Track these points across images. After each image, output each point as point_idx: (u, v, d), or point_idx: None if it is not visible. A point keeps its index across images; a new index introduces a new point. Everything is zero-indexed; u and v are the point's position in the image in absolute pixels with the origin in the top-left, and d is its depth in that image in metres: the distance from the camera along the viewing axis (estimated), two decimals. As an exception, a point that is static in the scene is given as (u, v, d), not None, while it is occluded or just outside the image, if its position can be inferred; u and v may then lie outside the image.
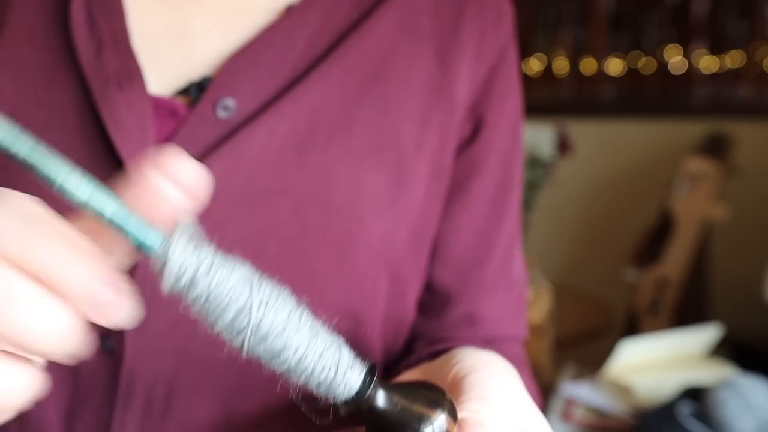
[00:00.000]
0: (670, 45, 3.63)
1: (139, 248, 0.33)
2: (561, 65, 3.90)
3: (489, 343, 0.61)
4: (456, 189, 0.61)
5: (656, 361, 1.17)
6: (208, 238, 0.34)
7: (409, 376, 0.48)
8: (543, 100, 4.00)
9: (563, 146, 2.52)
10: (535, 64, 3.97)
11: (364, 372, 0.36)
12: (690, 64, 3.61)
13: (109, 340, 0.51)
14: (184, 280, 0.32)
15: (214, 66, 0.55)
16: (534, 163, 2.49)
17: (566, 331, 2.33)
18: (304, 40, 0.55)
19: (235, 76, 0.53)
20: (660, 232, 2.33)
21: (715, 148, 2.44)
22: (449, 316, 0.62)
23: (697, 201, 2.19)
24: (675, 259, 2.19)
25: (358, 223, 0.54)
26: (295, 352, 0.34)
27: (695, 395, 0.99)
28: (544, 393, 1.52)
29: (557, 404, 1.11)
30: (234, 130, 0.52)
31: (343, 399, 0.36)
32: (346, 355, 0.36)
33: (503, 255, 0.63)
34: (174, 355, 0.52)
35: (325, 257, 0.51)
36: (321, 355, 0.34)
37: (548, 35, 4.05)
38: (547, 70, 3.96)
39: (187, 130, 0.52)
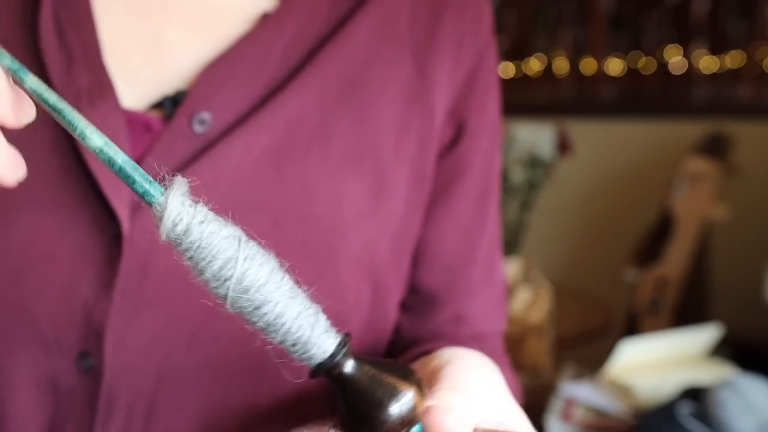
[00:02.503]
0: (670, 45, 3.63)
1: (143, 196, 0.36)
2: (561, 65, 3.90)
3: (475, 339, 0.62)
4: (439, 193, 0.61)
5: (656, 361, 1.17)
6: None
7: None
8: (543, 100, 4.00)
9: (563, 146, 2.52)
10: (535, 64, 3.97)
11: (338, 338, 0.37)
12: (690, 64, 3.60)
13: (88, 358, 0.50)
14: (180, 227, 0.35)
15: (189, 78, 0.54)
16: (534, 163, 2.48)
17: (566, 331, 2.33)
18: (281, 50, 0.54)
19: (210, 89, 0.52)
20: (660, 232, 2.33)
21: (715, 148, 2.44)
22: (436, 317, 0.62)
23: (697, 201, 2.19)
24: (675, 259, 2.19)
25: (338, 234, 0.54)
26: (274, 307, 0.36)
27: (695, 395, 0.99)
28: (544, 393, 1.52)
29: (557, 404, 1.11)
30: (210, 143, 0.51)
31: (316, 361, 0.37)
32: (323, 319, 0.37)
33: (487, 256, 0.64)
34: (154, 374, 0.51)
35: (305, 269, 0.48)
36: (299, 315, 0.36)
37: (548, 35, 4.05)
38: (547, 70, 3.96)
39: (163, 145, 0.51)
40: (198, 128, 0.51)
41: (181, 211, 0.35)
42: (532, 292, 1.68)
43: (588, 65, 3.72)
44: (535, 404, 1.71)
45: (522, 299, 1.67)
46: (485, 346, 0.58)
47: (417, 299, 0.62)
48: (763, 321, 2.44)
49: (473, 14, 0.62)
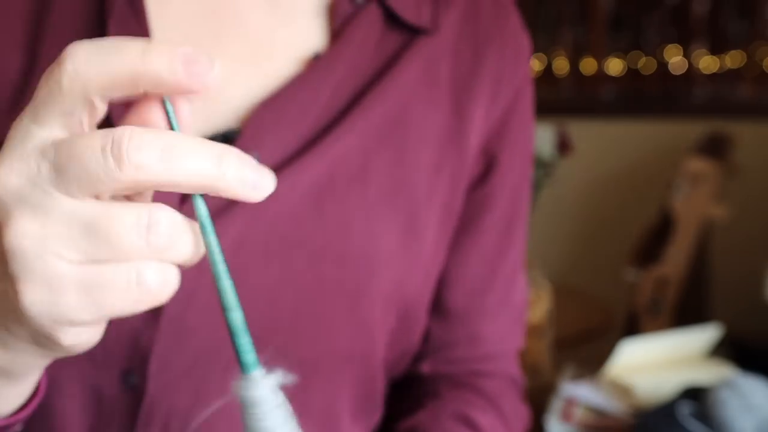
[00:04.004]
0: (670, 45, 3.63)
1: (242, 361, 0.38)
2: (561, 65, 3.90)
3: (487, 359, 0.67)
4: (466, 224, 0.63)
5: (656, 361, 1.17)
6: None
7: None
8: (543, 100, 4.00)
9: (563, 146, 2.52)
10: (535, 64, 3.96)
11: None
12: (690, 64, 3.60)
13: (132, 376, 0.53)
14: (252, 404, 0.38)
15: (238, 114, 0.55)
16: (534, 163, 2.48)
17: (566, 331, 2.33)
18: (329, 92, 0.55)
19: (261, 131, 0.53)
20: (660, 232, 2.33)
21: (715, 148, 2.44)
22: (452, 334, 0.65)
23: (697, 201, 2.19)
24: (675, 259, 2.19)
25: (371, 272, 0.56)
26: None
27: (695, 395, 0.99)
28: (544, 393, 1.52)
29: (557, 404, 1.11)
30: None
31: None
32: None
33: (507, 281, 0.67)
34: (191, 394, 0.54)
35: (338, 306, 0.53)
36: None
37: (548, 35, 4.04)
38: (547, 70, 3.96)
39: None
40: None
41: (267, 396, 0.38)
42: (532, 292, 1.68)
43: (588, 65, 3.72)
44: (535, 404, 1.71)
45: (522, 299, 1.67)
46: (493, 367, 0.66)
47: (438, 314, 0.65)
48: (763, 321, 2.44)
49: (514, 51, 0.63)
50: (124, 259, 0.33)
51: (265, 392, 0.38)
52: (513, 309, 0.69)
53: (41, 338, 0.36)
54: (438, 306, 0.65)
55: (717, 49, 3.56)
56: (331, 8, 0.58)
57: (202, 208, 0.36)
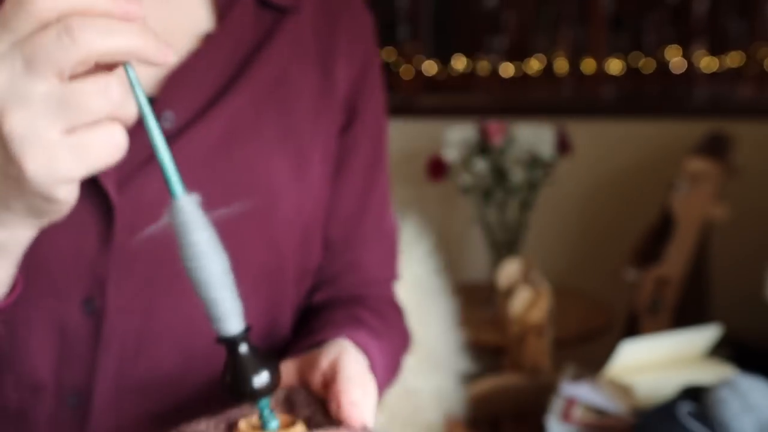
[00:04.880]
0: (670, 45, 3.63)
1: (172, 189, 0.49)
2: (561, 65, 3.90)
3: (366, 284, 0.82)
4: (339, 164, 0.79)
5: (656, 361, 1.17)
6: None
7: (289, 365, 0.64)
8: (543, 100, 4.00)
9: (563, 146, 2.52)
10: (535, 64, 3.97)
11: (243, 327, 0.52)
12: (690, 64, 3.60)
13: (92, 303, 0.66)
14: (180, 221, 0.50)
15: (153, 84, 0.68)
16: (534, 163, 2.49)
17: (566, 331, 2.33)
18: (221, 62, 0.70)
19: (171, 95, 0.67)
20: (660, 232, 2.33)
21: (715, 148, 2.44)
22: (336, 263, 0.80)
23: (697, 201, 2.19)
24: (675, 259, 2.19)
25: (274, 200, 0.71)
26: (209, 287, 0.50)
27: (695, 395, 0.99)
28: (544, 393, 1.52)
29: (557, 404, 1.11)
30: (175, 135, 0.67)
31: (223, 335, 0.52)
32: (236, 307, 0.52)
33: (377, 213, 0.82)
34: (142, 313, 0.67)
35: (252, 229, 0.69)
36: (223, 297, 0.51)
37: (548, 35, 4.05)
38: (547, 70, 3.96)
39: (139, 138, 0.64)
40: (165, 124, 0.67)
41: (190, 205, 0.50)
42: (532, 292, 1.67)
43: (588, 65, 3.72)
44: (535, 404, 1.71)
45: (522, 299, 1.67)
46: (374, 291, 0.82)
47: (325, 249, 0.80)
48: (763, 321, 2.44)
49: (360, 25, 0.80)
50: (95, 120, 0.45)
51: (190, 211, 0.49)
52: (387, 239, 0.84)
53: (39, 203, 0.48)
54: (324, 241, 0.79)
55: (717, 49, 3.56)
56: None
57: (132, 73, 0.48)
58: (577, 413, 1.07)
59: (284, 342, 0.77)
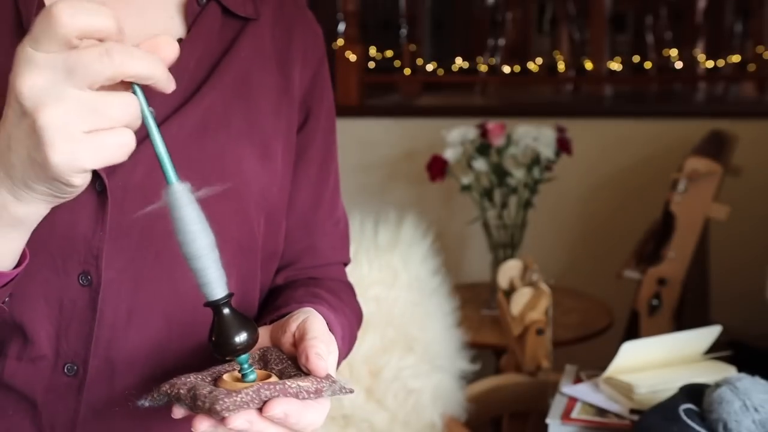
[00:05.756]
0: (670, 45, 3.63)
1: (168, 177, 0.60)
2: (561, 65, 3.90)
3: (324, 267, 0.93)
4: (297, 157, 0.89)
5: (656, 361, 1.17)
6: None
7: (262, 331, 0.72)
8: (543, 100, 4.00)
9: (563, 146, 2.52)
10: (535, 64, 3.97)
11: (226, 293, 0.62)
12: (690, 64, 3.61)
13: (88, 276, 0.74)
14: (175, 204, 0.60)
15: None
16: (534, 163, 2.49)
17: (566, 331, 2.34)
18: (193, 64, 0.80)
19: (153, 92, 0.75)
20: (660, 232, 2.33)
21: (715, 148, 2.44)
22: (294, 248, 0.90)
23: (697, 201, 2.19)
24: (675, 259, 2.19)
25: (244, 184, 0.81)
26: (198, 259, 0.60)
27: (695, 395, 0.99)
28: (544, 393, 1.52)
29: (557, 404, 1.11)
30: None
31: (209, 299, 0.62)
32: (221, 276, 0.62)
33: (330, 202, 0.93)
34: (131, 283, 0.75)
35: (226, 209, 0.78)
36: (209, 266, 0.61)
37: (548, 35, 4.05)
38: (547, 70, 3.96)
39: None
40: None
41: (184, 190, 0.60)
42: (532, 292, 1.68)
43: (588, 65, 3.72)
44: (535, 404, 1.71)
45: (522, 299, 1.67)
46: (328, 273, 0.94)
47: (285, 236, 0.89)
48: (763, 321, 2.44)
49: (312, 33, 0.91)
50: (114, 126, 0.57)
51: (184, 194, 0.59)
52: (339, 226, 0.95)
53: (57, 186, 0.58)
54: (286, 228, 0.89)
55: (717, 49, 3.56)
56: (184, 8, 0.83)
57: (138, 89, 0.59)
58: (577, 413, 1.07)
59: (252, 317, 0.86)
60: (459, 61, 4.25)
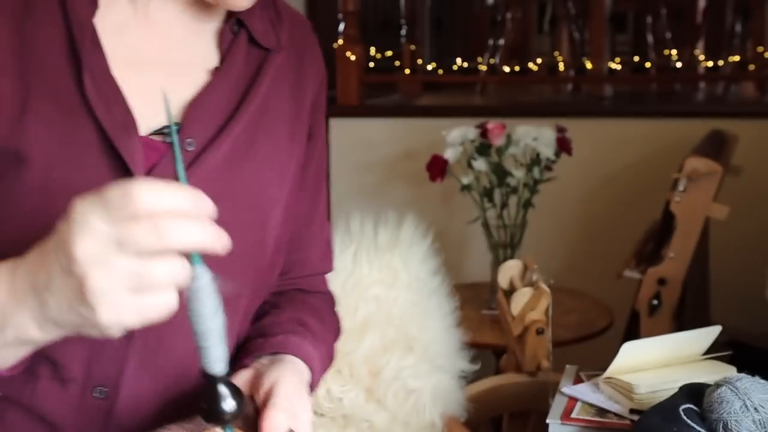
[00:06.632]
0: (670, 45, 3.63)
1: (191, 257, 0.62)
2: (561, 65, 3.90)
3: (310, 278, 0.99)
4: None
5: (656, 361, 1.17)
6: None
7: (243, 375, 0.80)
8: (543, 100, 4.00)
9: (563, 146, 2.52)
10: (535, 64, 3.97)
11: (226, 371, 0.65)
12: (690, 64, 3.61)
13: None
14: (193, 286, 0.62)
15: (177, 114, 0.83)
16: (534, 163, 2.49)
17: (566, 331, 2.34)
18: (227, 94, 0.85)
19: (192, 124, 0.83)
20: (660, 232, 2.33)
21: (715, 147, 2.44)
22: (288, 258, 0.94)
23: (697, 201, 2.19)
24: (675, 259, 2.19)
25: (267, 211, 0.87)
26: (206, 339, 0.63)
27: (695, 395, 0.99)
28: (544, 393, 1.52)
29: (557, 404, 1.11)
30: (196, 156, 0.82)
31: (207, 371, 0.65)
32: (224, 353, 0.64)
33: (321, 216, 0.99)
34: None
35: (249, 234, 0.84)
36: (214, 345, 0.64)
37: (548, 35, 4.05)
38: (547, 70, 3.96)
39: (169, 160, 0.80)
40: (189, 148, 0.82)
41: (203, 274, 0.63)
42: (532, 292, 1.67)
43: (588, 65, 3.72)
44: (535, 404, 1.71)
45: (522, 299, 1.66)
46: (313, 283, 1.00)
47: None
48: (763, 321, 2.44)
49: (317, 57, 0.97)
50: (158, 290, 0.59)
51: (202, 279, 0.62)
52: (326, 239, 1.02)
53: (91, 331, 0.61)
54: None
55: (717, 49, 3.56)
56: (219, 36, 0.88)
57: (199, 264, 0.62)
58: (577, 413, 1.07)
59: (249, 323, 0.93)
60: (459, 61, 4.25)
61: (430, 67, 4.12)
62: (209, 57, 0.88)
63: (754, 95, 3.60)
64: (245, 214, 0.85)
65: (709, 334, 1.21)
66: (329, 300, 1.03)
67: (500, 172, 2.46)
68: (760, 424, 0.93)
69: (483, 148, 2.46)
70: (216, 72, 0.86)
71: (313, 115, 0.95)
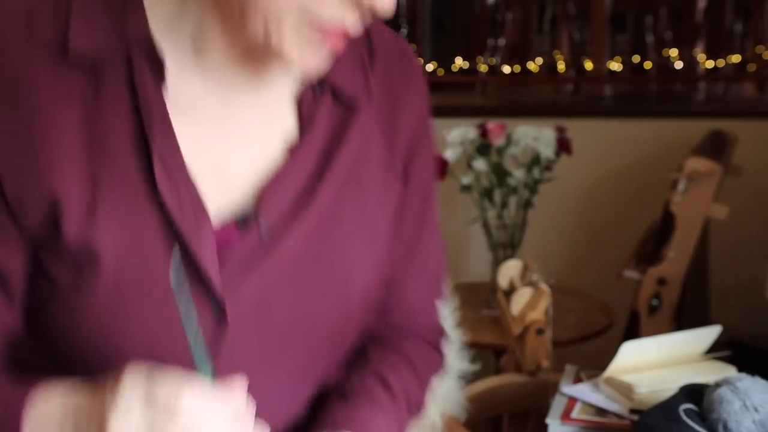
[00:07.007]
0: (670, 45, 3.63)
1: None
2: (561, 65, 3.90)
3: (408, 315, 0.89)
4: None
5: (656, 361, 1.17)
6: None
7: None
8: (543, 100, 4.00)
9: (563, 146, 2.52)
10: (535, 64, 3.97)
11: None
12: (690, 64, 3.60)
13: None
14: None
15: (246, 189, 0.77)
16: (534, 162, 2.49)
17: (566, 331, 2.33)
18: (307, 167, 0.77)
19: (266, 206, 0.76)
20: (660, 232, 2.33)
21: (715, 148, 2.44)
22: (386, 302, 0.87)
23: (697, 201, 2.19)
24: (675, 259, 2.19)
25: (351, 279, 0.80)
26: None
27: (695, 395, 0.99)
28: (544, 393, 1.52)
29: (557, 404, 1.11)
30: (272, 245, 0.76)
31: None
32: None
33: (422, 258, 0.89)
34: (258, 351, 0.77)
35: (330, 307, 0.79)
36: None
37: (548, 35, 4.05)
38: (548, 70, 3.96)
39: (244, 250, 0.76)
40: (265, 238, 0.76)
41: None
42: (532, 292, 1.67)
43: (588, 65, 3.72)
44: (535, 404, 1.71)
45: (522, 299, 1.66)
46: (416, 322, 0.90)
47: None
48: (763, 321, 2.44)
49: (418, 90, 0.86)
50: None
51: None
52: (429, 275, 0.91)
53: None
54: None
55: (717, 49, 3.56)
56: (299, 99, 0.79)
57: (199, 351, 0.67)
58: (577, 413, 1.07)
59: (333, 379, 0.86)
60: (459, 61, 4.25)
61: (430, 67, 4.12)
62: (285, 119, 0.80)
63: (754, 95, 3.60)
64: (327, 294, 0.79)
65: (709, 334, 1.21)
66: (429, 339, 0.93)
67: (500, 172, 2.46)
68: (760, 424, 0.93)
69: (483, 148, 2.46)
70: (295, 149, 0.78)
71: (409, 159, 0.85)
